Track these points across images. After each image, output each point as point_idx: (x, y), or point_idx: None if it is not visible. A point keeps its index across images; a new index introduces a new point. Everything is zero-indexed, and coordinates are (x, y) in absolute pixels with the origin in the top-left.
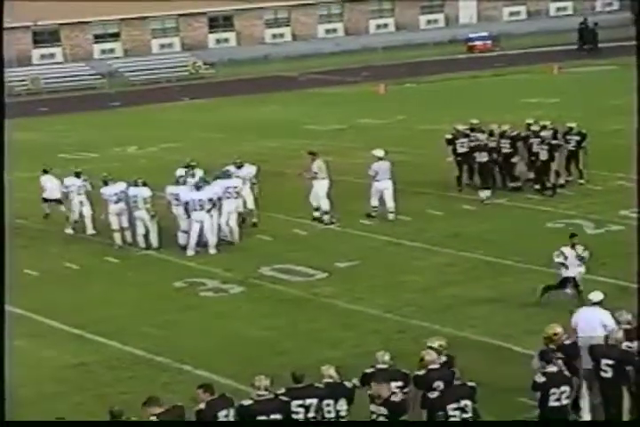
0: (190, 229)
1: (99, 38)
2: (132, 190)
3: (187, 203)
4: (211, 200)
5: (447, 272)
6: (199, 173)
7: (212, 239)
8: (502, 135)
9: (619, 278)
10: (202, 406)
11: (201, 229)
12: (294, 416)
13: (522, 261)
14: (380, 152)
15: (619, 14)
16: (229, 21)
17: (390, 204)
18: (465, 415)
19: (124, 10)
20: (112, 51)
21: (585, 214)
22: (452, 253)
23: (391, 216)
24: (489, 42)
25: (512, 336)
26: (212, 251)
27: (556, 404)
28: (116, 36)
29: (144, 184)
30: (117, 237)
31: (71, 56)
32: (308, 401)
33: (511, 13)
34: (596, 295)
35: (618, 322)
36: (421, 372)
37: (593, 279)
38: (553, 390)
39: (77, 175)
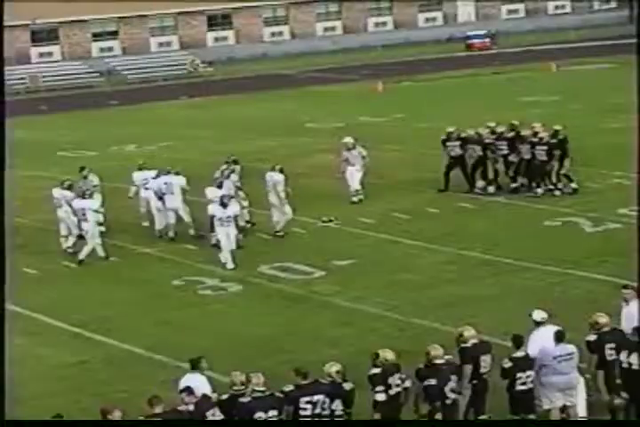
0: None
1: (97, 37)
2: (166, 178)
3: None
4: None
5: (446, 270)
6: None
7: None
8: (499, 137)
9: (618, 277)
10: (191, 407)
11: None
12: (302, 413)
13: (520, 258)
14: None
15: (617, 12)
16: (228, 20)
17: (357, 186)
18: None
19: (123, 8)
20: (110, 49)
21: (583, 213)
22: (450, 252)
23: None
24: (487, 40)
25: (512, 334)
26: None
27: (523, 387)
28: (114, 34)
29: (177, 173)
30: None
31: (69, 54)
32: (316, 397)
33: (509, 11)
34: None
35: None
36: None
37: (592, 278)
38: (519, 375)
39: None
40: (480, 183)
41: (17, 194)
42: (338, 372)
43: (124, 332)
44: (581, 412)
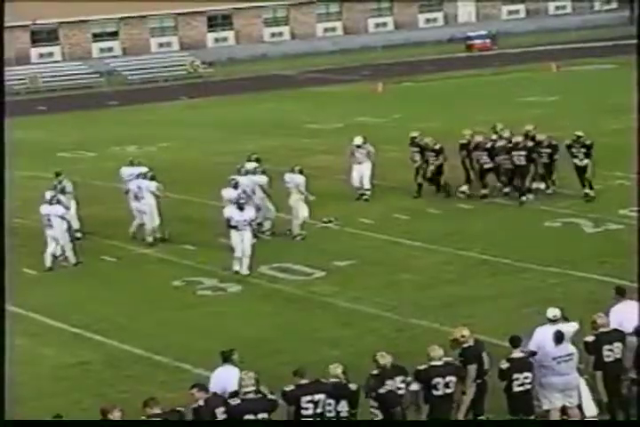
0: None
1: (97, 37)
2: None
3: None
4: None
5: (445, 271)
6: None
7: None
8: (477, 147)
9: (618, 277)
10: (201, 402)
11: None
12: (304, 412)
13: (520, 259)
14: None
15: (617, 13)
16: (228, 20)
17: (367, 185)
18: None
19: (123, 9)
20: (110, 49)
21: (584, 213)
22: (450, 252)
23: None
24: (488, 41)
25: (510, 335)
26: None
27: (520, 389)
28: (114, 34)
29: (152, 178)
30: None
31: (70, 55)
32: (317, 397)
33: (510, 12)
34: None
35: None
36: (423, 367)
37: (592, 278)
38: (516, 376)
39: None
40: (464, 187)
41: (17, 194)
42: (344, 373)
43: (123, 332)
44: (591, 411)
